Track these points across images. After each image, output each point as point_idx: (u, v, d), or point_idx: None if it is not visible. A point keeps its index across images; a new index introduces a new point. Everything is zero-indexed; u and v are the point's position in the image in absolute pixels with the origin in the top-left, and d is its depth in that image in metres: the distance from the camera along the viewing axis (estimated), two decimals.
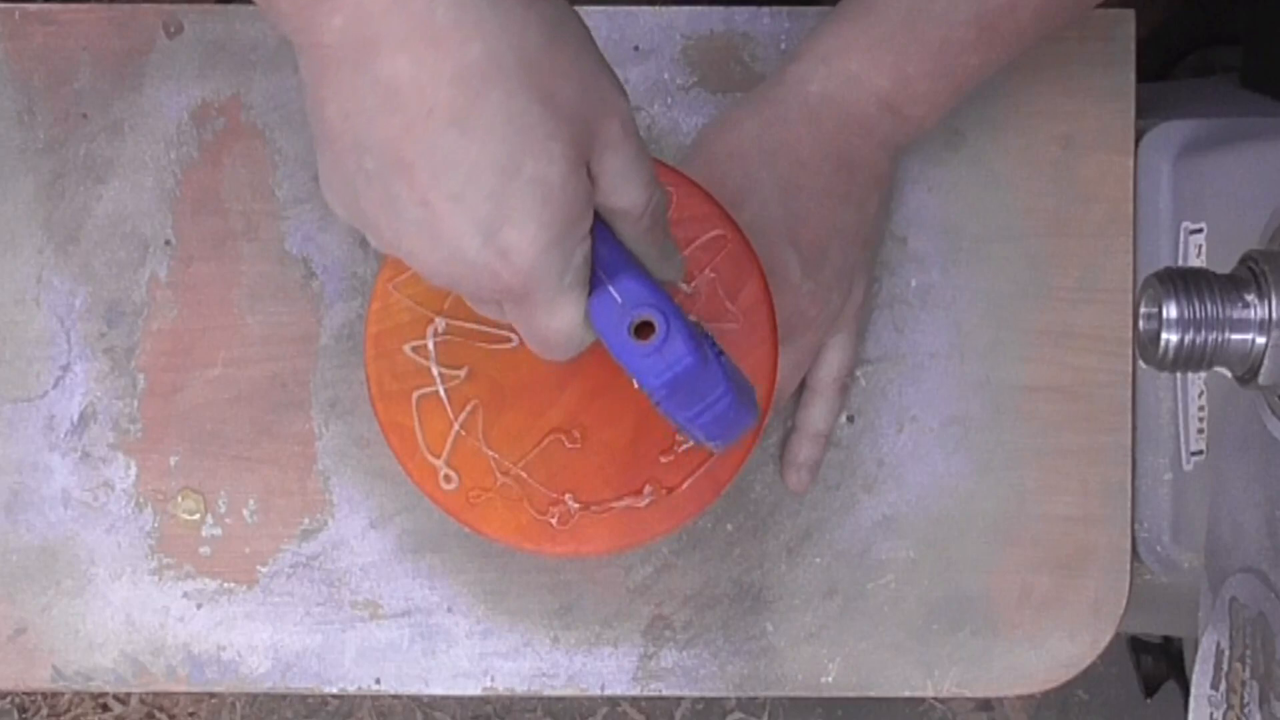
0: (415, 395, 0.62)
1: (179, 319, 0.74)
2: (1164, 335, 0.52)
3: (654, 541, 0.66)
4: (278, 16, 0.48)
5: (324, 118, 0.47)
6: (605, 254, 0.51)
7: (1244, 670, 0.55)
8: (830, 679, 0.74)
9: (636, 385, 0.51)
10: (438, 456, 0.62)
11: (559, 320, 0.50)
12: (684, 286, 0.63)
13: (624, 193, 0.50)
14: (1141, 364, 0.72)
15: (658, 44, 0.75)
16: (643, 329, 0.50)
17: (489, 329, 0.62)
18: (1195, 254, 0.72)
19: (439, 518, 0.66)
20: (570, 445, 0.62)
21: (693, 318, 0.56)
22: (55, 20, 0.75)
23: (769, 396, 0.62)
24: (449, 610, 0.74)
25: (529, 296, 0.49)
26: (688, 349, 0.50)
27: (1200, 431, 0.73)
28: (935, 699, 1.47)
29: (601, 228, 0.51)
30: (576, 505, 0.62)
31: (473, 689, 0.74)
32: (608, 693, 0.74)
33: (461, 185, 0.46)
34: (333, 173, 0.49)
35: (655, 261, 0.53)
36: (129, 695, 1.47)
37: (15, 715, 1.46)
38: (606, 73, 0.50)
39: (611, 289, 0.50)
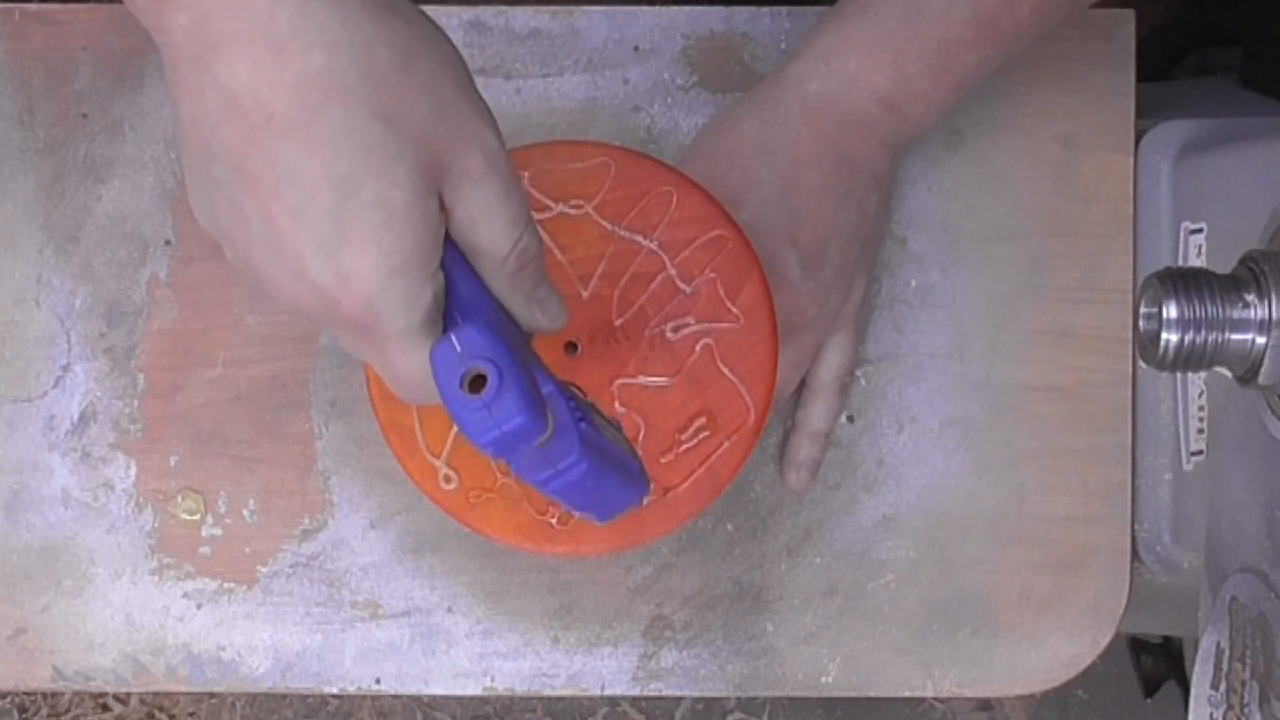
0: None
1: (179, 319, 0.74)
2: (1164, 335, 0.52)
3: (654, 541, 0.66)
4: (137, 13, 0.46)
5: (179, 119, 0.46)
6: (466, 295, 0.48)
7: (1244, 670, 0.55)
8: (830, 679, 0.74)
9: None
10: (438, 456, 0.62)
11: (408, 362, 0.47)
12: (685, 287, 0.63)
13: (484, 231, 0.48)
14: (1141, 364, 0.72)
15: (658, 44, 0.75)
16: (478, 381, 0.46)
17: None
18: (1195, 254, 0.72)
19: (439, 518, 0.66)
20: None
21: (567, 383, 0.52)
22: (55, 20, 0.75)
23: (769, 396, 0.62)
24: (449, 610, 0.74)
25: (375, 330, 0.47)
26: (519, 408, 0.45)
27: (1200, 431, 0.73)
28: (935, 699, 1.47)
29: (465, 266, 0.48)
30: None
31: (473, 689, 0.74)
32: (608, 693, 0.74)
33: (301, 200, 0.44)
34: (190, 177, 0.48)
35: (521, 309, 0.51)
36: (129, 695, 1.47)
37: (15, 715, 1.46)
38: (471, 102, 0.47)
39: (454, 336, 0.46)
